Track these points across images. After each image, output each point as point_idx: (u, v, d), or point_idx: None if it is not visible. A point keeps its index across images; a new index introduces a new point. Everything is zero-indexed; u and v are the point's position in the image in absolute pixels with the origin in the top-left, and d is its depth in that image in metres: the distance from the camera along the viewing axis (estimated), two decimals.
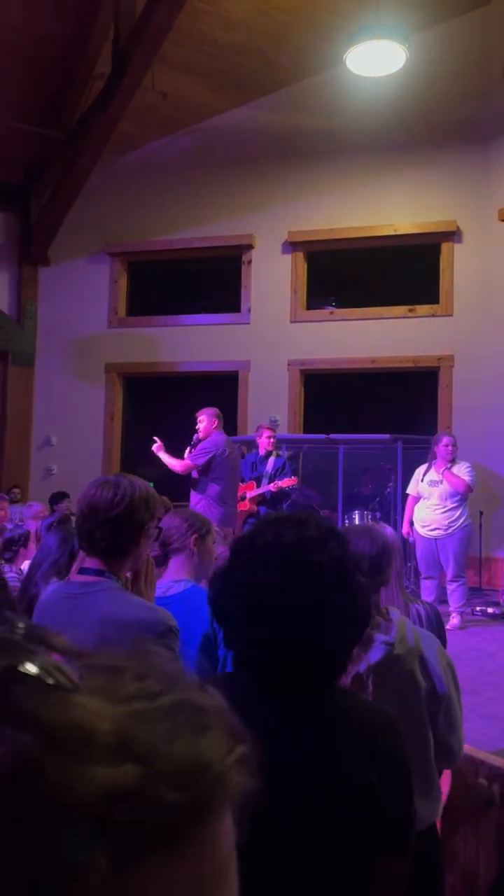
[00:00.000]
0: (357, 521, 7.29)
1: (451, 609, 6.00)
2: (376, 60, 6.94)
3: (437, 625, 2.53)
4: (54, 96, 8.14)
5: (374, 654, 1.82)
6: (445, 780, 2.13)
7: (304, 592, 1.12)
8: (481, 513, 7.62)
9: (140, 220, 9.26)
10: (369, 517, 7.04)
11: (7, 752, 0.28)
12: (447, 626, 5.73)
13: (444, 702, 1.87)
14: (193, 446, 6.02)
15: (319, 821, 1.11)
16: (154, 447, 6.14)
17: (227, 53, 8.03)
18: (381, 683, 1.82)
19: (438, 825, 1.95)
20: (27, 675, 0.30)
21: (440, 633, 2.45)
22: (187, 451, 6.01)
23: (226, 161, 9.01)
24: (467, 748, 2.18)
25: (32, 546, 3.79)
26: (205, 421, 6.07)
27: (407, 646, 1.87)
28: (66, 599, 1.84)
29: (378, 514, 7.23)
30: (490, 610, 6.50)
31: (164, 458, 6.09)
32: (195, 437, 6.04)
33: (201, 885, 0.32)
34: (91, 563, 1.85)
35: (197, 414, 6.17)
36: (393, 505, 7.42)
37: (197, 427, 6.08)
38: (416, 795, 1.80)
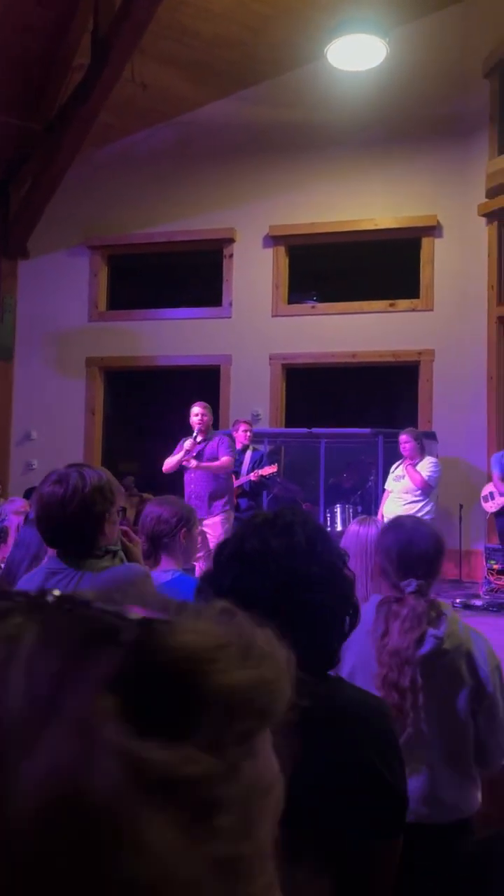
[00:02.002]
0: (339, 515, 7.33)
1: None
2: (357, 55, 6.96)
3: None
4: (33, 87, 8.05)
5: (425, 647, 1.86)
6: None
7: (293, 599, 1.12)
8: (461, 506, 7.69)
9: (120, 213, 9.21)
10: (350, 511, 7.08)
11: (172, 667, 0.33)
12: None
13: (487, 701, 1.88)
14: (207, 440, 5.93)
15: (324, 803, 1.12)
16: (192, 466, 5.92)
17: (207, 45, 8.00)
18: (429, 675, 1.85)
19: None
20: (150, 622, 0.35)
21: None
22: (190, 442, 5.90)
23: (207, 154, 8.97)
24: None
25: (12, 541, 3.77)
26: (207, 415, 6.03)
27: (457, 640, 1.90)
28: (50, 575, 1.86)
29: (360, 508, 7.27)
30: (478, 603, 6.58)
31: (205, 466, 5.91)
32: (197, 429, 5.94)
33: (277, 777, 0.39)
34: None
35: (194, 406, 6.08)
36: (374, 498, 7.46)
37: (195, 420, 5.98)
38: (452, 788, 1.82)
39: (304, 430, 7.73)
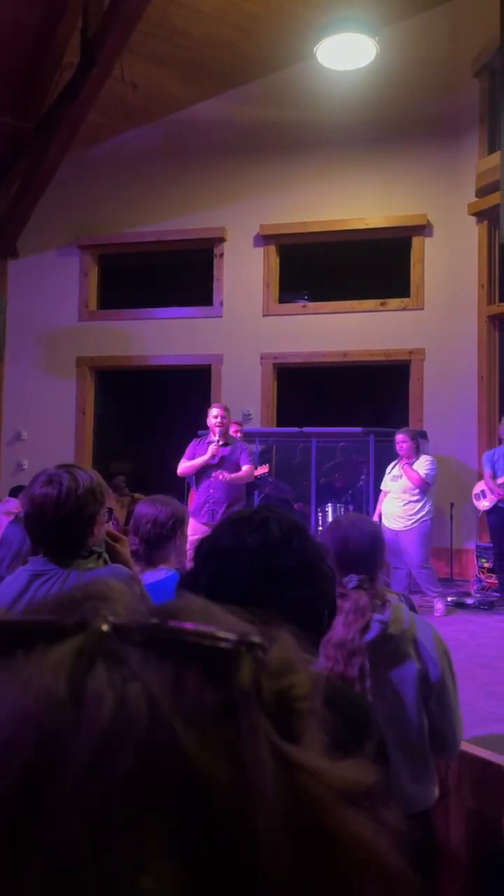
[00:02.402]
0: (330, 514, 7.33)
1: (429, 597, 6.15)
2: (347, 54, 6.97)
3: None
4: (23, 86, 8.03)
5: (370, 633, 1.88)
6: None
7: (270, 597, 1.12)
8: (452, 504, 7.71)
9: (111, 213, 9.19)
10: (342, 510, 7.09)
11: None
12: (434, 615, 5.92)
13: (436, 687, 1.91)
14: (228, 445, 5.79)
15: None
16: (222, 478, 5.72)
17: (197, 45, 7.99)
18: (376, 661, 1.87)
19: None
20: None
21: None
22: (214, 447, 5.69)
23: (197, 153, 8.97)
24: None
25: None
26: (228, 417, 5.87)
27: (401, 626, 1.93)
28: (35, 577, 1.85)
29: (351, 507, 7.28)
30: (469, 601, 6.61)
31: (236, 478, 5.75)
32: (217, 433, 5.74)
33: None
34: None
35: (213, 407, 5.92)
36: (365, 497, 7.47)
37: (214, 422, 5.77)
38: (408, 778, 1.83)
39: (295, 429, 7.74)
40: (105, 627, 0.34)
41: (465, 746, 2.24)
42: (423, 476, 6.23)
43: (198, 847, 0.30)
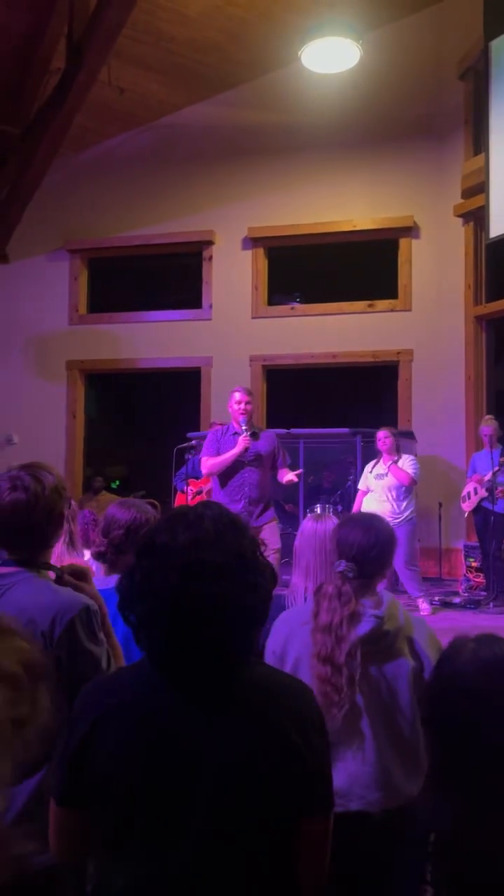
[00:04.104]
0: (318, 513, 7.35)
1: (414, 598, 6.15)
2: (331, 57, 6.99)
3: None
4: (9, 92, 8.05)
5: (364, 627, 1.92)
6: None
7: (201, 591, 1.16)
8: (440, 504, 7.75)
9: (100, 217, 9.22)
10: (330, 510, 7.11)
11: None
12: (420, 615, 5.92)
13: None
14: (256, 435, 5.05)
15: (246, 788, 1.15)
16: (285, 480, 5.14)
17: (184, 49, 8.03)
18: (370, 655, 1.91)
19: None
20: None
21: None
22: (245, 439, 4.93)
23: (185, 157, 9.00)
24: None
25: None
26: (252, 403, 5.12)
27: (396, 623, 1.97)
28: None
29: (339, 508, 7.31)
30: (456, 600, 6.63)
31: (292, 479, 5.15)
32: (242, 420, 5.00)
33: None
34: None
35: (236, 391, 5.13)
36: (353, 498, 7.49)
37: (237, 408, 5.04)
38: (401, 776, 1.86)
39: (283, 430, 7.76)
40: None
41: None
42: (412, 474, 6.25)
43: None
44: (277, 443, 5.21)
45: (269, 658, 2.12)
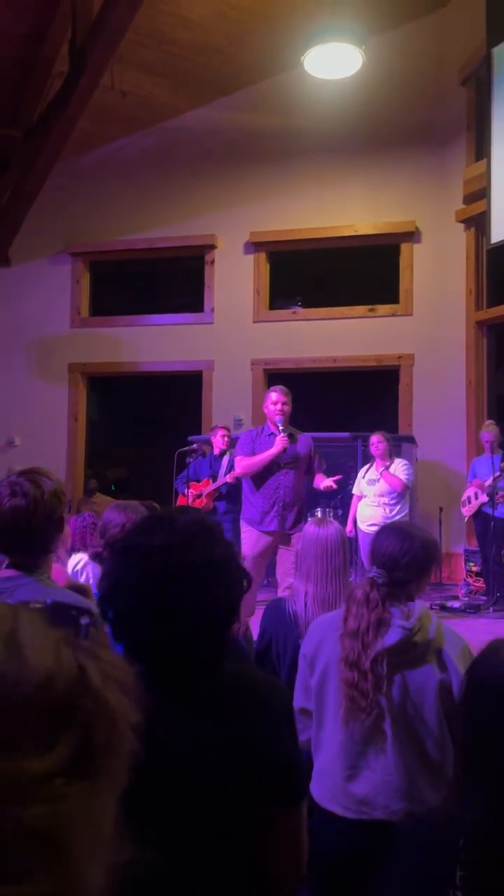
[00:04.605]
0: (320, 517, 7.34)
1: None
2: (334, 63, 7.01)
3: None
4: (12, 95, 8.08)
5: (391, 637, 1.92)
6: None
7: (170, 593, 1.19)
8: (441, 509, 7.75)
9: (102, 220, 9.24)
10: (331, 513, 7.11)
11: None
12: None
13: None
14: (293, 437, 4.94)
15: (220, 781, 1.18)
16: (323, 487, 5.06)
17: (186, 53, 8.05)
18: (397, 665, 1.91)
19: None
20: None
21: None
22: (283, 440, 4.81)
23: (187, 161, 9.03)
24: None
25: None
26: (289, 404, 4.98)
27: (426, 636, 1.96)
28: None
29: (339, 511, 7.30)
30: (455, 604, 6.63)
31: (330, 484, 5.04)
32: (279, 420, 4.88)
33: None
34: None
35: (272, 391, 5.02)
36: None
37: (273, 409, 4.93)
38: (427, 789, 1.85)
39: None
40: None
41: None
42: (405, 480, 6.24)
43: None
44: (314, 447, 5.10)
45: (301, 662, 2.14)
